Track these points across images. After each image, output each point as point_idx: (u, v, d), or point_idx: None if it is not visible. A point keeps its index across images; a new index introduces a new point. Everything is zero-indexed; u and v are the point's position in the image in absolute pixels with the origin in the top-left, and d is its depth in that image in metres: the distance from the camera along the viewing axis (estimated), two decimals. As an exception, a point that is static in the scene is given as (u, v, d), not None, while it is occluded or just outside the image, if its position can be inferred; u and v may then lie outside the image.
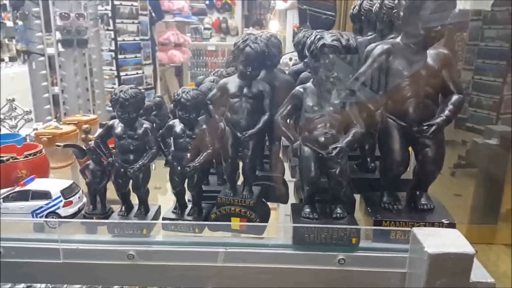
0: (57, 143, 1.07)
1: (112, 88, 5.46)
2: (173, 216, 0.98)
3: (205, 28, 9.31)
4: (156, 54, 6.49)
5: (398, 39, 0.95)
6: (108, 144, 0.98)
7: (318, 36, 0.87)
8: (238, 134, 0.95)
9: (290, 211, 0.99)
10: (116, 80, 5.49)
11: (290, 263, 0.91)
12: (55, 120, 1.50)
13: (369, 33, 1.26)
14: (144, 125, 0.95)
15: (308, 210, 0.93)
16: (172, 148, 0.97)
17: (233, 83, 0.97)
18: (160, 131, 0.99)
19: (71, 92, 4.20)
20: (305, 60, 0.90)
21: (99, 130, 1.32)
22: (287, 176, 1.24)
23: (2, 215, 0.95)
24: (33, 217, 0.96)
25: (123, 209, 0.99)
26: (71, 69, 4.17)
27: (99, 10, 4.85)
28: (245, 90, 0.95)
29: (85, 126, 1.17)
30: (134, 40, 5.65)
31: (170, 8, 7.11)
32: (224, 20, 10.10)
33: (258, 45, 0.92)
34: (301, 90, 0.92)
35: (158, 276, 0.93)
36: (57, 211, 0.96)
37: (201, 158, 0.95)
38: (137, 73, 5.73)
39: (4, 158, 1.01)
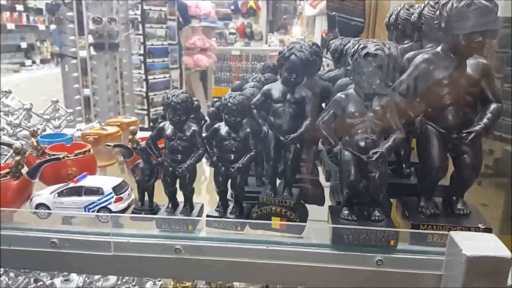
0: (107, 143, 1.14)
1: (140, 91, 5.61)
2: (216, 214, 1.03)
3: (230, 33, 9.42)
4: (182, 59, 6.62)
5: (439, 49, 0.98)
6: (157, 144, 1.04)
7: (361, 45, 0.91)
8: (281, 137, 0.99)
9: (328, 213, 1.03)
10: (144, 84, 5.65)
11: (329, 262, 0.95)
12: (97, 121, 1.57)
13: (405, 42, 1.29)
14: (192, 128, 1.01)
15: (346, 212, 0.97)
16: (217, 150, 1.02)
17: (276, 89, 1.02)
18: (206, 133, 1.04)
19: (102, 95, 4.34)
20: (348, 68, 0.94)
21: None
22: (322, 180, 1.28)
23: (57, 209, 1.02)
24: (85, 211, 1.03)
25: (170, 206, 1.04)
26: (102, 72, 4.32)
27: (129, 14, 5.01)
28: (288, 96, 1.00)
29: (132, 127, 1.24)
30: (162, 44, 5.79)
31: (197, 13, 7.25)
32: (249, 25, 10.20)
33: (303, 53, 0.97)
34: (343, 96, 0.96)
35: (203, 270, 0.98)
36: (108, 206, 1.02)
37: (244, 159, 1.00)
38: (164, 77, 5.87)
39: (61, 156, 1.08)
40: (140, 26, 5.39)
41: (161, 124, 1.03)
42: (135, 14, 5.30)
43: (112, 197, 1.02)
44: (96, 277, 1.72)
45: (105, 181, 1.05)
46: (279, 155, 1.02)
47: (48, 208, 1.02)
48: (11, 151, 1.14)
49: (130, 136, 1.23)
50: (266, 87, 1.03)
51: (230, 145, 1.00)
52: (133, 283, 1.77)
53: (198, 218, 1.01)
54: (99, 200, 1.02)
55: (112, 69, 4.43)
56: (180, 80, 6.38)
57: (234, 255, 0.96)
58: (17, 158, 1.01)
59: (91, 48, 4.23)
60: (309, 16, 4.89)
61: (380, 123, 0.93)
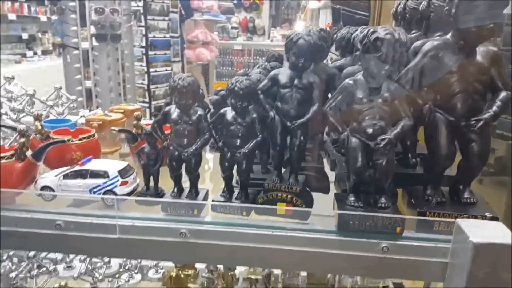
0: (113, 128, 1.13)
1: (142, 83, 5.60)
2: (221, 199, 1.03)
3: (232, 27, 9.38)
4: (184, 52, 6.59)
5: (448, 36, 0.97)
6: (163, 129, 1.03)
7: (371, 30, 0.90)
8: (288, 123, 0.99)
9: (333, 200, 1.02)
10: (146, 76, 5.63)
11: (334, 248, 0.95)
12: (100, 108, 1.57)
13: (413, 31, 1.29)
14: (199, 112, 1.00)
15: (353, 198, 0.96)
16: (223, 135, 1.01)
17: (284, 74, 1.01)
18: (212, 118, 1.03)
19: (103, 86, 4.33)
20: (356, 54, 0.93)
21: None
22: (326, 170, 1.28)
23: (62, 192, 1.01)
24: (90, 194, 1.03)
25: (175, 190, 1.04)
26: (104, 63, 4.30)
27: (132, 6, 4.98)
28: (295, 81, 0.99)
29: (136, 113, 1.23)
30: (164, 37, 5.77)
31: (199, 6, 7.20)
32: (251, 20, 10.16)
33: (311, 38, 0.96)
34: (351, 82, 0.95)
35: (207, 254, 0.97)
36: (113, 189, 1.02)
37: (250, 145, 0.99)
38: (166, 70, 5.85)
39: (66, 139, 1.07)
40: (143, 17, 5.37)
41: (166, 108, 1.02)
42: (137, 5, 5.28)
43: (118, 180, 1.02)
44: (99, 264, 1.72)
45: (111, 165, 1.04)
46: (286, 141, 1.02)
47: (53, 190, 1.02)
48: (15, 134, 1.13)
49: (135, 122, 1.22)
50: (273, 72, 1.03)
51: (236, 130, 0.99)
52: (135, 271, 1.77)
53: (204, 202, 1.01)
54: (104, 183, 1.01)
55: (114, 61, 4.41)
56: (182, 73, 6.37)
57: (239, 240, 0.96)
58: (22, 140, 1.00)
59: (93, 39, 4.21)
60: (313, 9, 4.87)
61: (388, 110, 0.92)
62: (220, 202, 1.01)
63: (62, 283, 1.55)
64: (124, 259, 1.78)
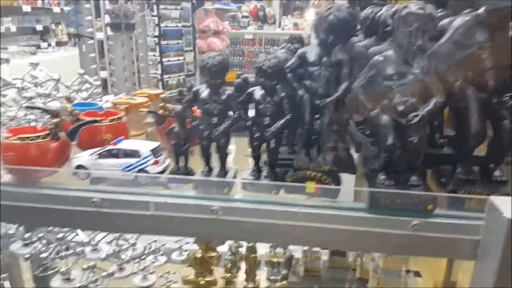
0: (141, 109, 1.15)
1: (155, 73, 5.62)
2: (250, 178, 1.04)
3: (243, 16, 9.32)
4: (196, 41, 6.58)
5: (479, 11, 0.95)
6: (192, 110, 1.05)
7: (403, 6, 0.89)
8: (317, 101, 0.99)
9: (364, 178, 1.03)
10: (159, 66, 5.66)
11: (365, 226, 0.95)
12: (124, 94, 1.59)
13: (439, 11, 1.27)
14: (227, 91, 1.01)
15: (383, 177, 0.96)
16: (252, 114, 1.02)
17: (312, 52, 1.01)
18: (241, 97, 1.04)
19: (118, 76, 4.35)
20: (387, 29, 0.93)
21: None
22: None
23: (97, 170, 1.04)
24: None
25: (206, 169, 1.05)
26: (119, 53, 4.32)
27: (145, -5, 4.98)
28: (324, 59, 0.99)
29: (163, 95, 1.25)
30: (177, 26, 5.77)
31: (210, -6, 7.16)
32: (262, 8, 10.06)
33: (341, 14, 0.96)
34: (381, 58, 0.95)
35: (238, 231, 0.99)
36: (146, 168, 1.04)
37: (279, 123, 1.00)
38: (179, 60, 5.86)
39: (98, 119, 1.09)
40: (155, 6, 5.37)
41: (195, 88, 1.03)
42: (148, -6, 5.28)
43: (150, 159, 1.03)
44: (124, 246, 1.76)
45: (142, 145, 1.06)
46: (314, 120, 1.02)
47: (87, 169, 1.04)
48: (46, 116, 1.16)
49: (162, 104, 1.23)
50: (301, 50, 1.03)
51: (264, 109, 1.00)
52: (160, 253, 1.80)
53: (234, 180, 1.02)
54: (137, 162, 1.03)
55: (129, 50, 4.42)
56: (195, 63, 6.37)
57: (269, 217, 0.97)
58: (56, 120, 1.03)
59: (108, 28, 4.23)
60: None
61: (420, 87, 0.92)
62: (250, 180, 1.02)
63: (90, 264, 1.59)
64: (149, 242, 1.82)
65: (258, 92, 1.01)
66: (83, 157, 1.06)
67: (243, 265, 1.73)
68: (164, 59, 5.68)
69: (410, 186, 0.95)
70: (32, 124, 1.24)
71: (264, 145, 1.03)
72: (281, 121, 1.00)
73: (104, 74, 4.37)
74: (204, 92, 1.01)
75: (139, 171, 1.04)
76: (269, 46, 9.25)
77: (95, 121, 1.08)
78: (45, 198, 1.00)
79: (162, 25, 5.48)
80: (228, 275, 1.66)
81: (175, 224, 0.99)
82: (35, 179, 1.01)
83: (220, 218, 0.97)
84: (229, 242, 1.83)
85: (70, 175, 1.03)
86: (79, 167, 1.05)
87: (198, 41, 6.76)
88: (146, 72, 4.98)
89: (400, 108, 0.92)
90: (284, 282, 1.57)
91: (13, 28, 7.05)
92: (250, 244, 1.73)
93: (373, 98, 0.97)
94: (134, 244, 1.77)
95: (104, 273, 1.63)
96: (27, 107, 1.21)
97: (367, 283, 1.74)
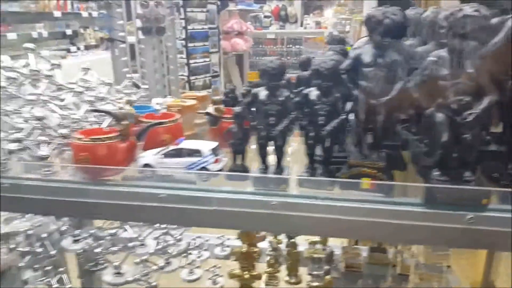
0: (199, 111, 1.21)
1: (182, 75, 5.74)
2: (306, 175, 1.09)
3: (265, 16, 9.37)
4: (220, 42, 6.68)
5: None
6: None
7: (457, 8, 0.93)
8: (372, 101, 1.03)
9: (418, 174, 1.07)
10: (186, 68, 5.77)
11: (420, 220, 0.99)
12: (169, 96, 1.66)
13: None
14: (285, 93, 1.06)
15: (438, 172, 1.00)
16: (308, 114, 1.07)
17: (367, 53, 1.05)
18: (296, 98, 1.09)
19: (150, 78, 4.47)
20: (442, 30, 0.96)
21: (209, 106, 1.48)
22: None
23: (163, 168, 1.11)
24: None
25: (263, 167, 1.11)
26: (150, 56, 4.44)
27: (173, -1, 5.10)
28: (379, 60, 1.03)
29: (217, 97, 1.31)
30: (203, 28, 5.88)
31: (234, -4, 7.26)
32: (284, 8, 10.09)
33: (397, 17, 1.00)
34: (435, 59, 0.98)
35: (297, 225, 1.04)
36: (207, 166, 1.10)
37: (335, 123, 1.05)
38: (205, 61, 5.96)
39: (165, 121, 1.17)
40: (182, 10, 5.49)
41: (254, 90, 1.09)
42: (177, -2, 5.39)
43: (211, 158, 1.10)
44: (171, 241, 1.83)
45: (203, 144, 1.13)
46: (369, 119, 1.06)
47: (153, 168, 1.11)
48: (109, 118, 1.24)
49: (216, 106, 1.30)
50: (356, 52, 1.07)
51: (320, 109, 1.05)
52: (204, 248, 1.88)
53: (292, 176, 1.08)
54: (199, 160, 1.10)
55: (159, 53, 4.54)
56: (220, 64, 6.47)
57: (326, 212, 1.02)
58: (125, 122, 1.10)
59: (139, 32, 4.35)
60: None
61: (473, 85, 0.95)
62: (307, 177, 1.07)
63: (143, 258, 1.68)
64: (193, 238, 1.89)
65: (313, 92, 1.06)
66: (149, 156, 1.13)
67: (286, 260, 1.78)
68: (191, 61, 5.80)
69: (464, 182, 0.98)
70: (94, 126, 1.32)
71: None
72: (336, 121, 1.05)
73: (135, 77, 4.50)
74: (263, 94, 1.07)
75: (201, 169, 1.10)
76: (291, 46, 9.26)
77: (161, 123, 1.15)
78: (116, 194, 1.07)
79: (189, 27, 5.59)
80: (271, 269, 1.72)
81: (236, 219, 1.05)
82: (106, 177, 1.09)
83: (278, 212, 1.03)
84: (269, 239, 1.89)
85: (138, 173, 1.11)
86: (146, 165, 1.12)
87: (222, 42, 6.86)
88: (175, 74, 5.09)
89: (455, 106, 0.96)
90: (328, 277, 1.61)
91: (45, 34, 7.31)
92: (291, 240, 1.79)
93: (428, 97, 1.01)
94: (179, 240, 1.84)
95: (155, 267, 1.71)
96: (94, 111, 1.30)
97: (408, 279, 1.77)
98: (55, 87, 1.62)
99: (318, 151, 1.11)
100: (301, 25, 9.85)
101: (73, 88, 1.54)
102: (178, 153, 1.11)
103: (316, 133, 1.07)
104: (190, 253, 1.83)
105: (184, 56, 5.66)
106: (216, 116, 1.25)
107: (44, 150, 1.09)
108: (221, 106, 1.29)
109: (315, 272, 1.70)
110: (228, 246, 1.90)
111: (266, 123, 1.07)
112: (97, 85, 1.76)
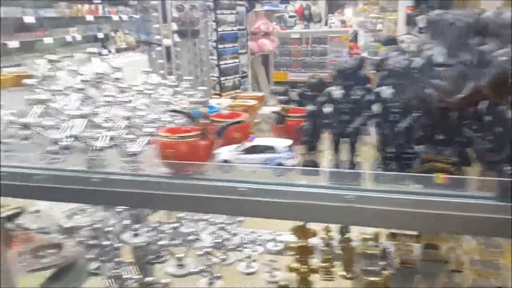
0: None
1: (213, 76, 5.85)
2: (378, 170, 1.14)
3: (290, 16, 9.40)
4: (248, 43, 6.77)
5: None
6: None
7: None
8: (445, 99, 1.08)
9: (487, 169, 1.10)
10: (216, 69, 5.88)
11: (493, 213, 1.03)
12: (228, 96, 1.74)
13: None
14: (359, 92, 1.12)
15: (510, 167, 1.03)
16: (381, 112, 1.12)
17: (437, 52, 1.09)
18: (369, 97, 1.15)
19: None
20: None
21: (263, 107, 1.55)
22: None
23: (242, 164, 1.18)
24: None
25: (336, 163, 1.17)
26: (185, 58, 4.56)
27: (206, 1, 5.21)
28: (451, 60, 1.07)
29: (282, 97, 1.38)
30: (232, 30, 5.97)
31: (260, -4, 7.33)
32: (307, 7, 10.10)
33: (469, 19, 1.04)
34: (506, 58, 1.02)
35: (370, 218, 1.10)
36: (282, 162, 1.17)
37: (408, 120, 1.09)
38: (234, 62, 6.06)
39: (242, 120, 1.25)
40: (213, 12, 5.59)
41: (328, 89, 1.15)
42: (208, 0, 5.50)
43: (287, 154, 1.16)
44: (225, 236, 1.91)
45: (277, 141, 1.19)
46: (441, 117, 1.11)
47: (232, 163, 1.19)
48: (184, 119, 1.33)
49: (283, 105, 1.36)
50: (428, 52, 1.11)
51: (394, 107, 1.10)
52: (257, 242, 1.94)
53: (367, 171, 1.13)
54: (275, 156, 1.16)
55: (193, 55, 4.66)
56: (248, 64, 6.57)
57: (399, 205, 1.07)
58: (205, 121, 1.18)
59: (175, 35, 4.47)
60: None
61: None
62: (381, 172, 1.12)
63: (205, 250, 1.76)
64: (247, 234, 1.97)
65: (386, 91, 1.11)
66: (225, 152, 1.20)
67: (341, 255, 1.83)
68: (221, 62, 5.90)
69: (538, 175, 1.01)
70: (168, 125, 1.40)
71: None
72: (409, 118, 1.09)
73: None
74: (338, 93, 1.13)
75: (277, 164, 1.17)
76: (315, 45, 9.24)
77: (239, 122, 1.23)
78: (199, 188, 1.15)
79: (219, 29, 5.69)
80: (327, 264, 1.77)
81: (312, 211, 1.11)
82: (190, 171, 1.17)
83: (353, 205, 1.08)
84: (321, 235, 1.94)
85: (218, 168, 1.18)
86: (224, 161, 1.19)
87: (250, 43, 6.94)
88: (208, 75, 5.20)
89: (528, 103, 1.00)
90: (385, 272, 1.65)
91: (79, 37, 7.57)
92: (345, 236, 1.83)
93: (499, 94, 1.05)
94: (235, 234, 1.92)
95: (215, 259, 1.79)
96: (173, 111, 1.38)
97: (461, 275, 1.79)
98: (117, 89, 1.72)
99: (389, 147, 1.16)
100: (326, 24, 9.81)
101: (142, 90, 1.63)
102: (253, 149, 1.18)
103: (390, 130, 1.12)
104: (245, 247, 1.90)
105: (214, 57, 5.76)
106: (283, 115, 1.32)
107: (133, 147, 1.18)
108: (287, 106, 1.36)
109: (371, 268, 1.74)
110: (280, 242, 1.96)
111: (340, 121, 1.13)
112: (158, 86, 1.86)
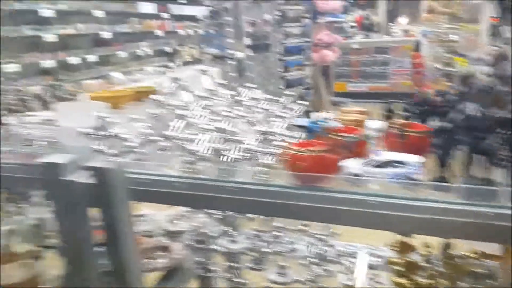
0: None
1: (279, 88, 5.96)
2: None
3: (351, 26, 9.35)
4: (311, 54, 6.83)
5: None
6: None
7: None
8: None
9: None
10: (282, 81, 5.98)
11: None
12: (330, 112, 1.79)
13: None
14: (495, 111, 1.13)
15: None
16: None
17: None
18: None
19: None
20: None
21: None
22: None
23: (376, 179, 1.22)
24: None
25: (469, 178, 1.18)
26: (256, 71, 4.72)
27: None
28: None
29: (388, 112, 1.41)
30: (298, 42, 6.07)
31: (324, 8, 7.37)
32: (367, 17, 9.98)
33: None
34: None
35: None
36: (411, 176, 1.20)
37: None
38: (301, 74, 6.14)
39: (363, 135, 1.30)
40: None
41: (460, 106, 1.17)
42: (276, 14, 5.65)
43: (417, 169, 1.19)
44: (322, 247, 1.95)
45: (407, 156, 1.23)
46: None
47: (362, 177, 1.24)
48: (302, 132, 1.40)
49: (393, 121, 1.40)
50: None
51: None
52: (354, 256, 1.96)
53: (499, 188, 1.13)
54: (405, 171, 1.20)
55: (265, 68, 4.80)
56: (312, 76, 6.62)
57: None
58: (333, 136, 1.25)
59: (248, 49, 4.65)
60: (473, 3, 4.67)
61: None
62: (518, 189, 1.12)
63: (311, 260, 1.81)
64: (344, 246, 2.00)
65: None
66: (355, 166, 1.26)
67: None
68: (286, 74, 6.00)
69: None
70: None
71: None
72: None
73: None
74: (469, 110, 1.15)
75: (406, 178, 1.20)
76: (376, 55, 9.09)
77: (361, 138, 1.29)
78: (329, 200, 1.21)
79: (286, 42, 5.81)
80: (432, 281, 1.75)
81: (444, 227, 1.13)
82: (319, 183, 1.23)
83: (492, 223, 1.08)
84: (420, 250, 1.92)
85: (347, 181, 1.23)
86: (353, 174, 1.25)
87: (313, 54, 7.00)
88: (276, 87, 5.32)
89: None
90: (495, 290, 1.60)
91: (150, 51, 8.04)
92: (449, 252, 1.80)
93: None
94: (331, 246, 1.95)
95: (317, 269, 1.84)
96: (295, 126, 1.46)
97: None
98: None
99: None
100: (387, 34, 9.64)
101: (253, 105, 1.73)
102: (382, 164, 1.22)
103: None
104: (342, 260, 1.92)
105: (281, 69, 5.88)
106: (405, 130, 1.35)
107: (269, 159, 1.27)
108: (400, 121, 1.39)
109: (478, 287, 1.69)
110: (379, 257, 1.96)
111: (473, 137, 1.14)
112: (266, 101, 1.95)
